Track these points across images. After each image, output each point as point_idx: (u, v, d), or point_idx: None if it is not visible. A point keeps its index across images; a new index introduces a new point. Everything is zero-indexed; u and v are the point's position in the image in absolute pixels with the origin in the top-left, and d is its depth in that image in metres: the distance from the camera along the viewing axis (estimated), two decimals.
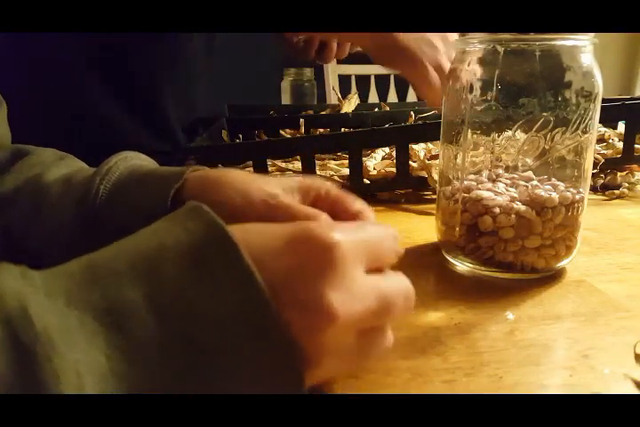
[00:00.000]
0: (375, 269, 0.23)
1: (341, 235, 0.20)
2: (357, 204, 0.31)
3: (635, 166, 0.62)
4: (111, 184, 0.33)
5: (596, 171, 0.58)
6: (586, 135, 0.35)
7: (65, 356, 0.16)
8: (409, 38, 0.67)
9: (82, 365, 0.16)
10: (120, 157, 0.35)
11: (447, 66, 0.63)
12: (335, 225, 0.22)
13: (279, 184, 0.31)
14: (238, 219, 0.23)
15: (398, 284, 0.23)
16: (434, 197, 0.46)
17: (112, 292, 0.18)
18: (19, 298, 0.17)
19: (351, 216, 0.31)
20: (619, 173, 0.60)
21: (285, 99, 1.06)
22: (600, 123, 0.39)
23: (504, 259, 0.37)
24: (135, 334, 0.17)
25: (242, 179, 0.31)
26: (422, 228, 0.49)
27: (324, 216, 0.29)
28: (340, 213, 0.31)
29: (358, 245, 0.21)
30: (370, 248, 0.22)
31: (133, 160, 0.36)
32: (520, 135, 0.35)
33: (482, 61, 0.35)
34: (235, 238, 0.19)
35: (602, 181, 0.60)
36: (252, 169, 0.58)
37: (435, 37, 0.68)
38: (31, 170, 0.37)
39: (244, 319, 0.18)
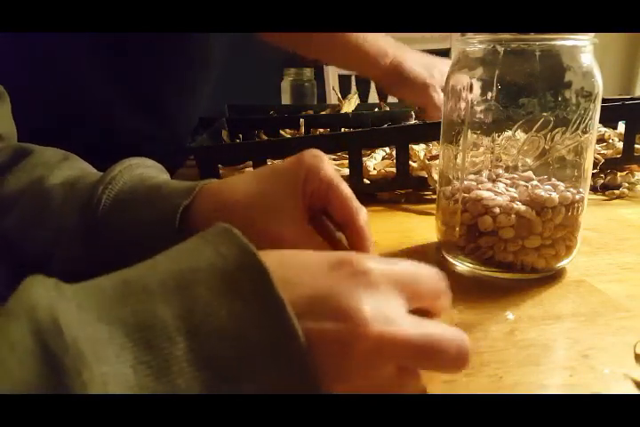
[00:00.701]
0: (424, 313, 0.23)
1: (376, 264, 0.21)
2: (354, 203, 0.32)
3: (635, 166, 0.62)
4: (114, 194, 0.33)
5: (596, 171, 0.58)
6: (586, 135, 0.35)
7: (93, 368, 0.16)
8: (416, 67, 0.73)
9: (109, 377, 0.16)
10: (125, 166, 0.35)
11: None
12: (370, 256, 0.22)
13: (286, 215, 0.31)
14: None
15: (452, 333, 0.21)
16: (434, 197, 0.46)
17: (143, 308, 0.18)
18: (50, 310, 0.17)
19: (345, 213, 0.31)
20: (619, 173, 0.60)
21: (285, 99, 1.06)
22: (600, 123, 0.39)
23: (504, 259, 0.37)
24: (163, 351, 0.17)
25: (248, 204, 0.31)
26: (422, 228, 0.49)
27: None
28: (333, 208, 0.31)
29: (393, 274, 0.21)
30: (405, 281, 0.22)
31: (139, 169, 0.36)
32: (520, 135, 0.35)
33: (482, 61, 0.35)
34: (266, 266, 0.19)
35: (602, 181, 0.60)
36: (252, 169, 0.58)
37: (443, 63, 0.73)
38: (34, 171, 0.36)
39: (270, 345, 0.18)
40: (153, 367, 0.17)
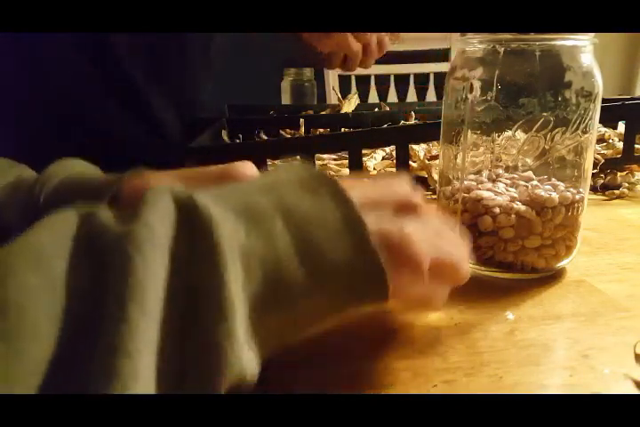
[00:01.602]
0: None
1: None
2: None
3: (635, 166, 0.62)
4: (50, 190, 0.33)
5: (596, 171, 0.58)
6: (586, 135, 0.35)
7: (220, 227, 0.20)
8: None
9: (232, 234, 0.21)
10: (61, 165, 0.36)
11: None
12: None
13: None
14: None
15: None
16: (434, 197, 0.46)
17: (247, 198, 0.23)
18: (186, 193, 0.22)
19: None
20: (619, 173, 0.60)
21: (285, 99, 1.06)
22: (600, 123, 0.39)
23: (504, 259, 0.37)
24: (266, 225, 0.22)
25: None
26: None
27: None
28: None
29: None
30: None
31: (75, 168, 0.36)
32: (520, 135, 0.35)
33: (482, 61, 0.35)
34: (333, 178, 0.24)
35: (602, 181, 0.60)
36: None
37: None
38: None
39: (344, 230, 0.22)
40: (260, 237, 0.21)
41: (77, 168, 0.36)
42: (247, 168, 0.33)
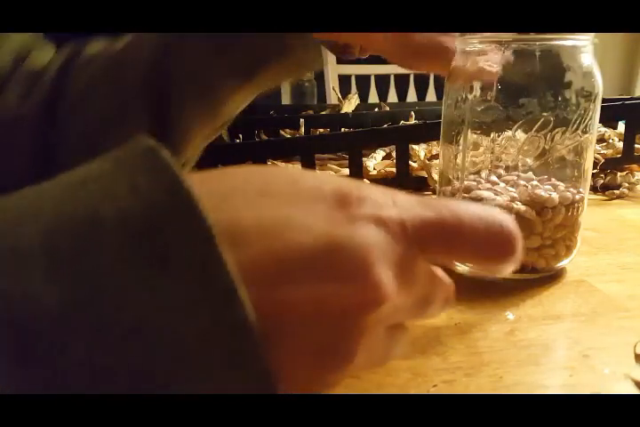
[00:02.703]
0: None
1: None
2: None
3: (635, 166, 0.62)
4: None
5: (596, 171, 0.58)
6: (586, 135, 0.35)
7: None
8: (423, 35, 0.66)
9: None
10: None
11: None
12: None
13: None
14: None
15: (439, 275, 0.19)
16: (434, 197, 0.46)
17: (14, 288, 0.12)
18: None
19: None
20: (619, 173, 0.60)
21: (285, 99, 1.06)
22: (600, 123, 0.39)
23: None
24: (43, 363, 0.12)
25: None
26: None
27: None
28: None
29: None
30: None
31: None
32: (520, 135, 0.35)
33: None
34: (204, 213, 0.13)
35: (602, 181, 0.60)
36: None
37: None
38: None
39: (214, 347, 0.13)
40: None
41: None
42: None
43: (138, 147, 0.14)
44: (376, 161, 0.63)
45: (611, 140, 0.64)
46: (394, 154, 0.57)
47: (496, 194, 0.37)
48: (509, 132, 0.35)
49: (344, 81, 1.53)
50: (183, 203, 0.13)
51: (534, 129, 0.35)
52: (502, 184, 0.38)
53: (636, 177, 0.60)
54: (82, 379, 0.12)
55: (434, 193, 0.57)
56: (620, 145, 0.60)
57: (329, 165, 0.64)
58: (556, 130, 0.35)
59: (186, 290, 0.12)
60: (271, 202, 0.15)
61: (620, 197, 0.57)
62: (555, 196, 0.36)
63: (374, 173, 0.59)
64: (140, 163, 0.13)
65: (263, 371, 0.14)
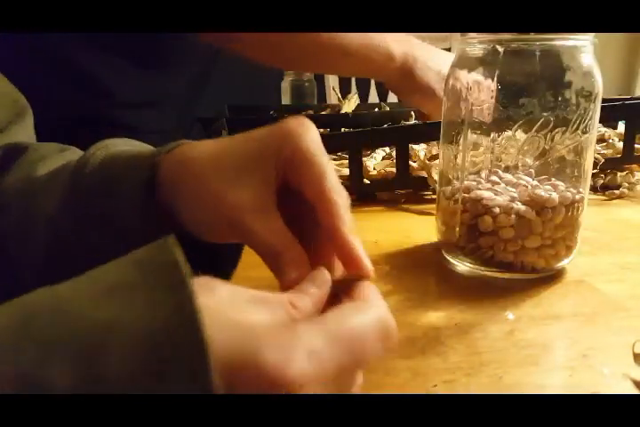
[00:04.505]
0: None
1: (302, 370, 0.17)
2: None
3: (635, 166, 0.62)
4: (94, 168, 0.30)
5: (596, 171, 0.58)
6: (586, 135, 0.35)
7: None
8: (427, 72, 0.67)
9: None
10: (100, 146, 0.33)
11: None
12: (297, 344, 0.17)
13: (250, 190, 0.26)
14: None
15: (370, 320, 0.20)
16: (434, 197, 0.46)
17: (34, 373, 0.15)
18: None
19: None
20: (619, 173, 0.60)
21: (285, 99, 1.06)
22: (600, 123, 0.39)
23: (504, 259, 0.37)
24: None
25: (215, 188, 0.26)
26: (422, 228, 0.49)
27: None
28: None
29: (329, 373, 0.18)
30: (348, 364, 0.19)
31: (116, 147, 0.33)
32: (520, 135, 0.35)
33: (482, 61, 0.35)
34: (209, 349, 0.15)
35: (602, 181, 0.60)
36: None
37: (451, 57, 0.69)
38: (30, 166, 0.35)
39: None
40: None
41: (119, 146, 0.33)
42: (301, 127, 0.26)
43: (163, 259, 0.17)
44: (376, 161, 0.63)
45: (611, 140, 0.64)
46: (394, 154, 0.57)
47: (496, 194, 0.37)
48: (509, 132, 0.35)
49: (344, 81, 1.53)
50: (187, 321, 0.15)
51: (534, 129, 0.35)
52: (502, 184, 0.38)
53: (636, 177, 0.60)
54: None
55: (434, 193, 0.57)
56: (620, 145, 0.60)
57: None
58: (556, 130, 0.35)
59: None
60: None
61: (620, 197, 0.57)
62: (555, 196, 0.35)
63: (374, 173, 0.59)
64: (160, 279, 0.17)
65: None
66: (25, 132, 0.41)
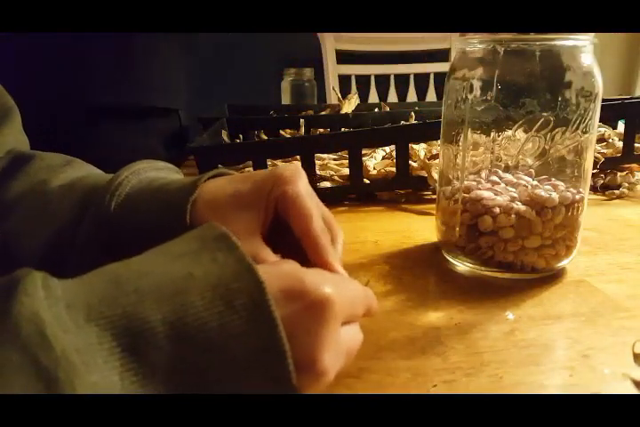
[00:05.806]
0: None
1: (333, 291, 0.21)
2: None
3: (635, 166, 0.62)
4: (122, 199, 0.32)
5: (596, 171, 0.58)
6: (586, 135, 0.35)
7: (84, 378, 0.16)
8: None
9: (99, 387, 0.16)
10: (132, 171, 0.34)
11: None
12: (325, 278, 0.22)
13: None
14: None
15: (355, 336, 0.24)
16: (434, 197, 0.46)
17: (133, 311, 0.18)
18: (35, 320, 0.16)
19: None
20: (619, 173, 0.60)
21: (285, 99, 1.06)
22: (600, 123, 0.39)
23: (504, 259, 0.37)
24: (149, 359, 0.18)
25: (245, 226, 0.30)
26: (422, 228, 0.49)
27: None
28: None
29: (346, 303, 0.23)
30: (353, 306, 0.24)
31: (147, 173, 0.35)
32: (520, 135, 0.35)
33: (482, 61, 0.35)
34: (264, 282, 0.20)
35: (602, 181, 0.60)
36: (251, 169, 0.58)
37: None
38: (37, 175, 0.36)
39: (259, 367, 0.19)
40: (138, 375, 0.17)
41: (150, 173, 0.35)
42: (293, 174, 0.30)
43: (214, 232, 0.22)
44: (376, 161, 0.63)
45: (610, 140, 0.64)
46: (394, 154, 0.57)
47: (496, 194, 0.37)
48: (509, 132, 0.35)
49: (344, 81, 1.53)
50: (246, 269, 0.20)
51: (534, 129, 0.35)
52: (502, 184, 0.38)
53: (635, 177, 0.60)
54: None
55: (434, 193, 0.57)
56: (620, 145, 0.61)
57: (329, 164, 0.64)
58: (556, 130, 0.35)
59: (242, 324, 0.19)
60: None
61: (619, 197, 0.57)
62: (555, 196, 0.35)
63: (374, 172, 0.59)
64: (218, 244, 0.21)
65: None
66: (13, 133, 0.41)
